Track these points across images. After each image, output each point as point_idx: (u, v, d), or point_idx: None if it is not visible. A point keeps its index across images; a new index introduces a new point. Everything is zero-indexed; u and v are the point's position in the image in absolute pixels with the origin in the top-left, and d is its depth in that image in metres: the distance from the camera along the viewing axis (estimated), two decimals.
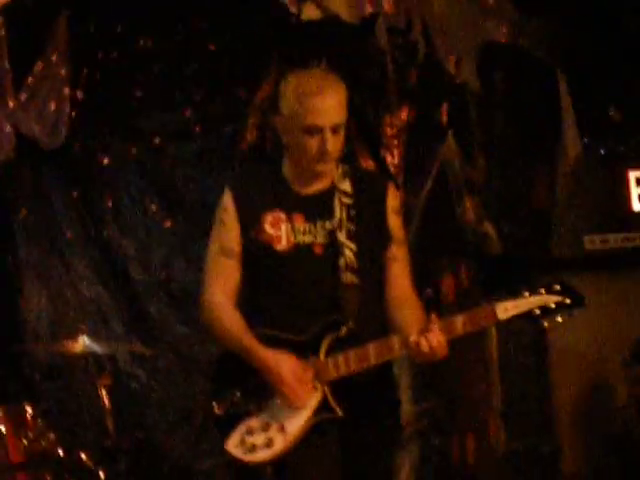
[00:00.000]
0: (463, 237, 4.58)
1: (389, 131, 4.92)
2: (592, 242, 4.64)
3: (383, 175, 4.27)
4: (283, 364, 2.94)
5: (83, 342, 3.86)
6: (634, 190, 4.66)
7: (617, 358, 4.55)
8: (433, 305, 4.77)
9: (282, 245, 3.01)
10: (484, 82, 4.56)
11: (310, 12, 4.71)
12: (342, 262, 2.99)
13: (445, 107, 4.62)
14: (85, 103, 5.05)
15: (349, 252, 3.00)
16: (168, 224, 5.06)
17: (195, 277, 5.09)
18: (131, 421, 4.82)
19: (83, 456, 3.83)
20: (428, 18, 4.65)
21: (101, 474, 3.93)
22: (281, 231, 3.02)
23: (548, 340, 4.63)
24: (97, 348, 3.88)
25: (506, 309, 2.85)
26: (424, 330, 2.88)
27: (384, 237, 3.08)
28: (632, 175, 4.65)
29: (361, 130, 5.02)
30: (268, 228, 3.02)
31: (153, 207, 5.09)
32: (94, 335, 4.43)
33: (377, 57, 4.81)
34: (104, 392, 3.88)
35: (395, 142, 4.92)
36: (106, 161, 5.09)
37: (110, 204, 5.08)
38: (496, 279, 4.70)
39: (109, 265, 5.03)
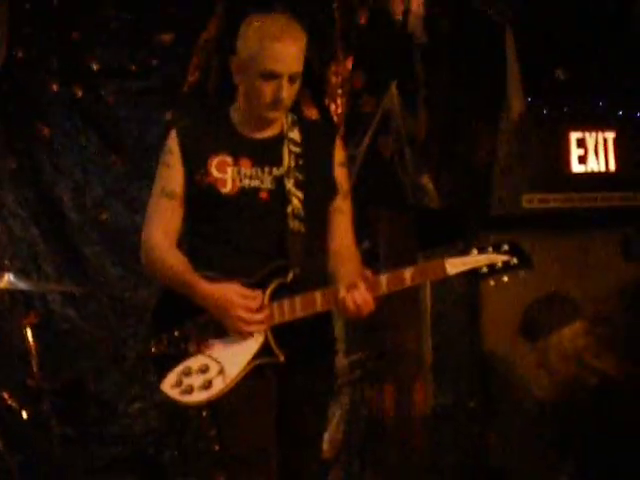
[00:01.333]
0: (401, 190, 4.53)
1: (334, 80, 4.83)
2: (530, 201, 4.60)
3: (330, 126, 4.21)
4: (231, 290, 2.92)
5: (7, 279, 3.76)
6: (574, 151, 4.62)
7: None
8: (370, 257, 4.75)
9: (227, 188, 2.99)
10: (431, 34, 4.49)
11: None
12: (289, 209, 2.99)
13: (389, 58, 4.54)
14: (26, 37, 4.91)
15: (296, 200, 2.99)
16: (105, 163, 4.98)
17: (131, 218, 5.01)
18: (60, 362, 4.75)
19: (5, 395, 3.75)
20: None
21: (24, 414, 3.86)
22: (227, 174, 3.00)
23: (481, 296, 4.57)
24: (22, 285, 3.77)
25: (455, 265, 2.89)
26: (351, 286, 2.89)
27: (330, 188, 3.08)
28: (573, 136, 4.60)
29: (305, 77, 4.97)
30: (214, 171, 3.00)
31: (90, 146, 4.97)
32: (23, 274, 4.33)
33: (325, 2, 4.73)
34: (29, 331, 3.80)
35: (339, 91, 4.83)
36: (44, 95, 4.96)
37: (46, 141, 4.97)
38: (433, 233, 4.67)
39: (42, 203, 4.90)
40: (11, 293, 3.94)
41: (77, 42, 4.92)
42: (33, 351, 3.79)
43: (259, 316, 2.93)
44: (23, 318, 3.86)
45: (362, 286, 2.89)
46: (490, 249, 2.90)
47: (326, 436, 4.62)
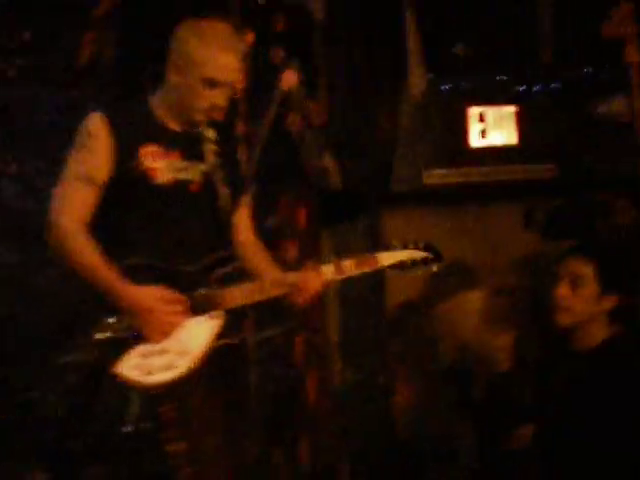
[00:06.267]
0: (303, 170, 4.50)
1: None
2: (431, 177, 4.59)
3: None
4: (151, 296, 2.91)
5: None
6: (474, 126, 4.63)
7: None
8: (275, 236, 4.73)
9: (161, 179, 2.99)
10: (329, 12, 4.43)
11: None
12: (221, 204, 3.05)
13: (289, 36, 4.47)
14: None
15: (225, 196, 3.06)
16: None
17: (27, 203, 4.87)
18: None
19: None
20: None
21: None
22: (159, 165, 2.99)
23: (386, 271, 4.63)
24: None
25: (386, 258, 3.25)
26: (307, 272, 3.07)
27: (242, 184, 3.23)
28: (473, 111, 4.57)
29: None
30: (146, 161, 2.98)
31: None
32: None
33: None
34: None
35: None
36: None
37: None
38: (336, 211, 4.68)
39: None
40: None
41: None
42: None
43: (177, 318, 2.93)
44: None
45: (315, 272, 3.09)
46: (411, 246, 3.27)
47: None
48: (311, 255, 4.57)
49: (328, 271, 3.13)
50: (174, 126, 3.07)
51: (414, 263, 3.27)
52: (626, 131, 4.39)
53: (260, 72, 4.51)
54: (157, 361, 2.92)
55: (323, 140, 4.39)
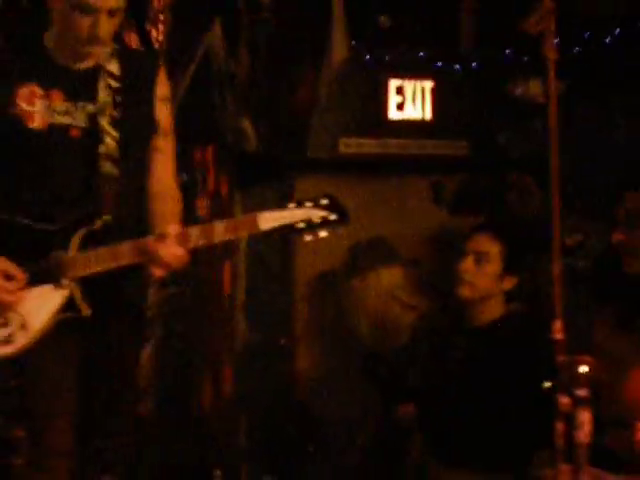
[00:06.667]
0: (221, 130, 4.48)
1: (156, 4, 4.68)
2: (347, 145, 4.61)
3: (154, 57, 4.03)
4: None
5: None
6: (393, 98, 4.65)
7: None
8: (189, 193, 4.70)
9: (35, 124, 2.76)
10: None
11: None
12: (102, 150, 2.78)
13: None
14: None
15: (110, 140, 2.79)
16: None
17: None
18: None
19: None
20: None
21: None
22: (35, 107, 2.76)
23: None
24: None
25: (268, 220, 2.72)
26: (160, 238, 2.72)
27: (149, 126, 2.88)
28: (392, 83, 4.61)
29: None
30: (21, 103, 2.75)
31: None
32: None
33: None
34: None
35: (162, 17, 4.68)
36: None
37: None
38: (251, 173, 4.68)
39: None
40: None
41: None
42: None
43: (11, 297, 2.76)
44: None
45: (172, 238, 2.71)
46: (308, 203, 2.72)
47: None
48: (223, 215, 4.57)
49: (193, 235, 2.72)
50: (63, 61, 2.80)
51: (310, 225, 2.71)
52: (541, 112, 4.46)
53: (182, 29, 4.47)
54: None
55: (242, 102, 4.36)
